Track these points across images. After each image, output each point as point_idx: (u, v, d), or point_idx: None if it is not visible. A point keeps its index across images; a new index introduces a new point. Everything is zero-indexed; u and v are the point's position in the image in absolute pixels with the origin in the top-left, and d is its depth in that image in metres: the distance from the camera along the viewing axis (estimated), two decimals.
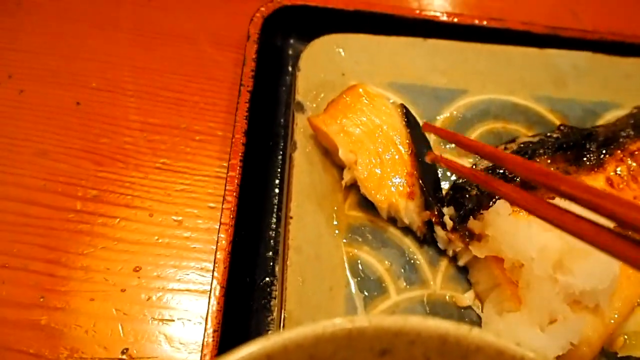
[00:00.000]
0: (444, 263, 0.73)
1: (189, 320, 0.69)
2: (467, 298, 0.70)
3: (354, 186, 0.76)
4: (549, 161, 0.77)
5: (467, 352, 0.43)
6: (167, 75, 0.90)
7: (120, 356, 0.66)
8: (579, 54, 0.89)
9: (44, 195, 0.77)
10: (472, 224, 0.70)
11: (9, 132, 0.82)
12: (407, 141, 0.75)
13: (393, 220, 0.74)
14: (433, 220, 0.71)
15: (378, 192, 0.71)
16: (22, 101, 0.85)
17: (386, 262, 0.71)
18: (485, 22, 0.90)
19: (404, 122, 0.76)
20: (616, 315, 0.66)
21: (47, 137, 0.82)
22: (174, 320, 0.69)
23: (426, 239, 0.73)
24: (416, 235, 0.73)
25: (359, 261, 0.71)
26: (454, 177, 0.79)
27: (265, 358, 0.41)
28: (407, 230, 0.74)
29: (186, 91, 0.88)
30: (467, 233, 0.70)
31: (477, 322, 0.69)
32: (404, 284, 0.70)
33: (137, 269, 0.72)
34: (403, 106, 0.78)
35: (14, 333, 0.67)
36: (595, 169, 0.77)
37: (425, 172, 0.74)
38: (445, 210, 0.73)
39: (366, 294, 0.69)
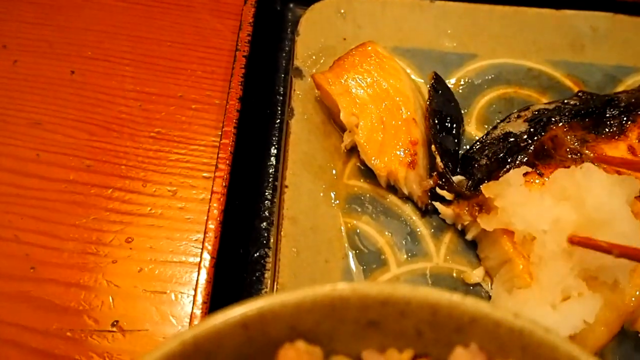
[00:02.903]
0: (448, 235, 0.69)
1: (181, 293, 0.67)
2: (476, 275, 0.67)
3: (354, 153, 0.72)
4: (565, 129, 0.73)
5: (461, 324, 0.39)
6: (164, 43, 0.87)
7: (110, 328, 0.65)
8: (598, 15, 0.84)
9: (36, 166, 0.75)
10: (484, 189, 0.66)
11: (3, 102, 0.81)
12: (414, 108, 0.71)
13: (394, 189, 0.71)
14: (436, 183, 0.68)
15: (378, 158, 0.68)
16: (16, 72, 0.84)
17: (386, 233, 0.68)
18: None
19: (414, 87, 0.73)
20: (638, 293, 0.62)
21: (41, 107, 0.80)
22: (165, 293, 0.67)
23: (428, 210, 0.70)
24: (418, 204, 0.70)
25: (357, 232, 0.68)
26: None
27: (241, 328, 0.39)
28: (409, 199, 0.70)
29: (183, 60, 0.86)
30: (475, 205, 0.67)
31: (487, 299, 0.65)
32: (405, 256, 0.67)
33: (129, 240, 0.70)
34: (435, 74, 0.76)
35: (4, 305, 0.66)
36: (617, 137, 0.73)
37: (442, 140, 0.71)
38: (454, 178, 0.69)
39: (365, 266, 0.66)
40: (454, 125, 0.75)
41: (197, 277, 0.59)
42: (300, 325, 0.40)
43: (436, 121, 0.72)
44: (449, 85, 0.79)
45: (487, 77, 0.81)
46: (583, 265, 0.59)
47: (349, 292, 0.40)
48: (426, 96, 0.75)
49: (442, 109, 0.74)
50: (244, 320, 0.39)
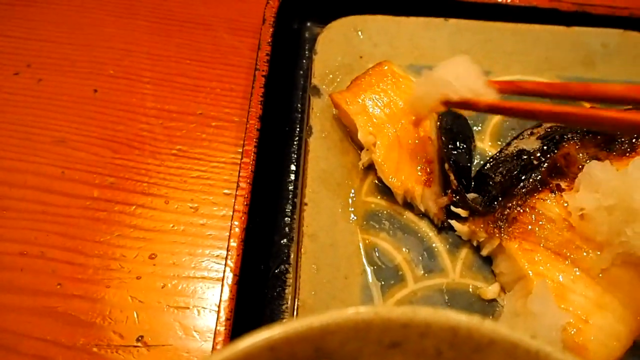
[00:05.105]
0: (464, 251, 0.70)
1: (204, 308, 0.69)
2: (491, 290, 0.68)
3: (371, 171, 0.74)
4: (577, 146, 0.74)
5: (480, 345, 0.41)
6: (183, 62, 0.89)
7: (135, 343, 0.66)
8: (609, 31, 0.85)
9: (61, 184, 0.77)
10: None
11: (28, 121, 0.83)
12: (430, 126, 0.72)
13: (410, 206, 0.72)
14: (451, 200, 0.69)
15: (395, 176, 0.69)
16: (40, 90, 0.86)
17: (404, 250, 0.69)
18: (509, 0, 0.86)
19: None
20: None
21: (65, 125, 0.83)
22: (188, 308, 0.69)
23: (444, 226, 0.71)
24: (435, 221, 0.71)
25: (375, 248, 0.69)
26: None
27: (268, 350, 0.40)
28: (425, 216, 0.72)
29: (202, 77, 0.88)
30: (490, 222, 0.68)
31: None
32: (422, 272, 0.68)
33: (153, 256, 0.72)
34: None
35: (31, 320, 0.67)
36: (628, 154, 0.73)
37: (456, 157, 0.72)
38: (468, 195, 0.71)
39: (383, 282, 0.67)
40: (465, 142, 0.76)
41: (220, 294, 0.61)
42: (326, 347, 0.42)
43: (448, 139, 0.74)
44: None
45: (500, 94, 0.82)
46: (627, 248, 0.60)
47: (372, 316, 0.41)
48: None
49: (452, 126, 0.75)
50: (271, 344, 0.40)
